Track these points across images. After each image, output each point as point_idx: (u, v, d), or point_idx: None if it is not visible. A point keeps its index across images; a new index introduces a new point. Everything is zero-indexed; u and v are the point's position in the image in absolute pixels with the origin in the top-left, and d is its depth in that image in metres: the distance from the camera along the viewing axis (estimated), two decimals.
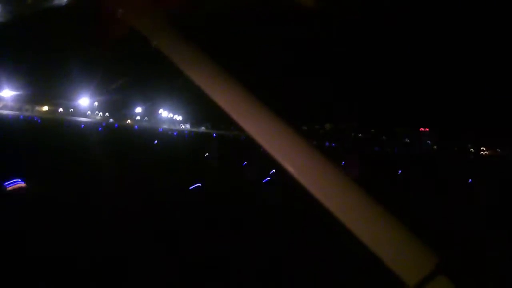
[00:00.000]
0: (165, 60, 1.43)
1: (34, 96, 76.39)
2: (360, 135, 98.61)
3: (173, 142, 41.24)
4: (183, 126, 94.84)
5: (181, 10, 1.65)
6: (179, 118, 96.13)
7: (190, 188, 13.09)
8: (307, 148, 1.28)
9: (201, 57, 1.42)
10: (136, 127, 73.63)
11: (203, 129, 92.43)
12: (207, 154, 27.04)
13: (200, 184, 13.55)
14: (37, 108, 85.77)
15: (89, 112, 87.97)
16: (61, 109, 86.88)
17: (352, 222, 1.19)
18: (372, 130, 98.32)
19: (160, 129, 69.85)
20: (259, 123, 1.34)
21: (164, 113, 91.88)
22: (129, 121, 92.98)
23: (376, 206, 1.20)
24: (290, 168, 1.26)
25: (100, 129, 52.50)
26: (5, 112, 69.89)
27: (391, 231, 1.18)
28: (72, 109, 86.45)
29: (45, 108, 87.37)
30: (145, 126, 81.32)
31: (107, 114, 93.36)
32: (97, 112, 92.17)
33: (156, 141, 34.96)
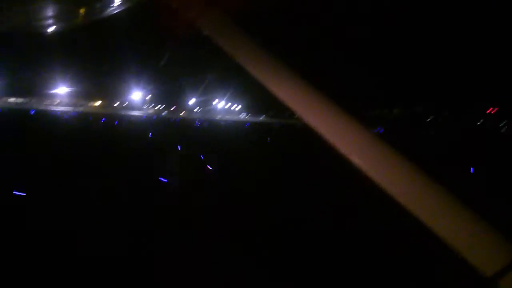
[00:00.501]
0: (219, 49, 1.37)
1: (87, 92, 74.74)
2: (428, 119, 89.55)
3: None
4: (242, 115, 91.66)
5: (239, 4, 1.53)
6: (237, 108, 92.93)
7: None
8: (375, 139, 1.24)
9: (256, 47, 1.34)
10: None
11: (263, 117, 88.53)
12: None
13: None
14: (91, 103, 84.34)
15: (145, 106, 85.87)
16: (117, 103, 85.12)
17: (426, 215, 1.17)
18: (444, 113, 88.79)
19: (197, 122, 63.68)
20: (320, 114, 1.28)
21: (220, 103, 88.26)
22: (184, 112, 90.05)
23: (450, 197, 1.18)
24: (359, 162, 1.24)
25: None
26: (61, 108, 68.72)
27: (467, 221, 1.15)
28: (126, 103, 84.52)
29: (99, 103, 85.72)
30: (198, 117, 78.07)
31: (160, 106, 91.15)
32: (151, 104, 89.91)
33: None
